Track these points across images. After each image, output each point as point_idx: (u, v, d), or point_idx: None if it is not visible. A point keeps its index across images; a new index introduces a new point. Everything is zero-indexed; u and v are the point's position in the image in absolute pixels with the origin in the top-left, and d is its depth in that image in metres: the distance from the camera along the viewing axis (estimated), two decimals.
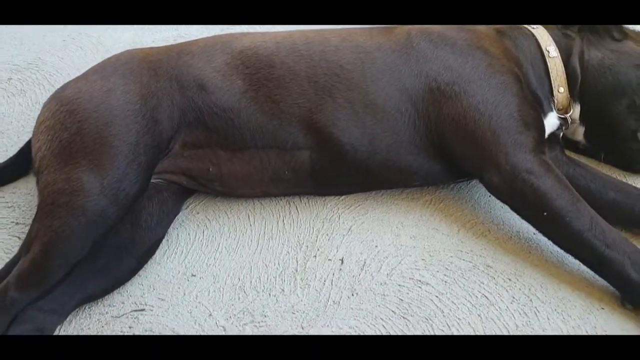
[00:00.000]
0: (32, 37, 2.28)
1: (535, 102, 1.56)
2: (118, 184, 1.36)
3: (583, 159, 1.68)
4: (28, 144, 1.67)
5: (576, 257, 1.39)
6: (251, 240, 1.56)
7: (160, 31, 2.29)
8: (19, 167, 1.71)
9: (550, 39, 1.64)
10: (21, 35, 2.29)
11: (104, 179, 1.35)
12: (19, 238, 1.58)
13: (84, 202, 1.32)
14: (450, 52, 1.55)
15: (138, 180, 1.40)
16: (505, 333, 1.34)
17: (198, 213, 1.63)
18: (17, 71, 2.12)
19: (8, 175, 1.71)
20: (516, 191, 1.41)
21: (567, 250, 1.40)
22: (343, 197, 1.65)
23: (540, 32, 1.65)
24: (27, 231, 1.56)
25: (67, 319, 1.39)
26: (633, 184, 1.59)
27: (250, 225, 1.60)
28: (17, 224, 1.62)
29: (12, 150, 1.80)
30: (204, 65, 1.55)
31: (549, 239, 1.42)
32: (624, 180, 1.63)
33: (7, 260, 1.51)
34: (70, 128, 1.40)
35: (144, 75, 1.52)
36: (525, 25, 1.70)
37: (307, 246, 1.54)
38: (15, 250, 1.54)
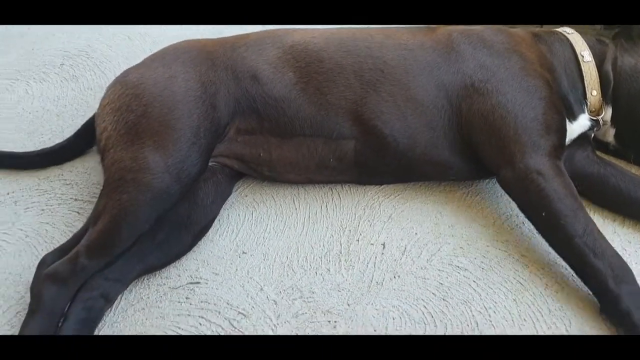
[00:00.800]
0: (81, 26, 2.38)
1: (563, 107, 1.64)
2: (181, 164, 1.45)
3: (613, 160, 1.76)
4: (84, 126, 1.78)
5: (565, 260, 1.46)
6: (297, 223, 1.65)
7: (205, 25, 2.38)
8: (76, 148, 1.81)
9: (585, 44, 1.72)
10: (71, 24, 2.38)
11: (168, 159, 1.44)
12: (78, 213, 1.68)
13: (150, 179, 1.41)
14: (488, 54, 1.64)
15: (199, 161, 1.49)
16: (539, 316, 1.42)
17: (246, 196, 1.72)
18: (68, 57, 2.22)
19: (66, 155, 1.81)
20: (523, 189, 1.49)
21: (558, 253, 1.48)
22: (383, 186, 1.74)
23: (575, 38, 1.74)
24: (85, 207, 1.68)
25: (128, 288, 1.48)
26: None
27: (296, 209, 1.69)
28: (75, 200, 1.71)
29: (68, 132, 1.90)
30: (257, 58, 1.64)
31: (544, 239, 1.50)
32: None
33: (68, 232, 1.62)
34: (136, 110, 1.50)
35: (202, 65, 1.61)
36: (560, 30, 1.78)
37: (349, 230, 1.63)
38: (76, 223, 1.64)
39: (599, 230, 1.44)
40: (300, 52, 1.64)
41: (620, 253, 1.54)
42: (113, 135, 1.50)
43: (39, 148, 1.84)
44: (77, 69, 2.17)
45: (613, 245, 1.52)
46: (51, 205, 1.70)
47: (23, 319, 1.41)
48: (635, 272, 1.49)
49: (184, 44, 1.70)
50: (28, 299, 1.43)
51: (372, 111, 1.59)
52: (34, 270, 1.48)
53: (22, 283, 1.51)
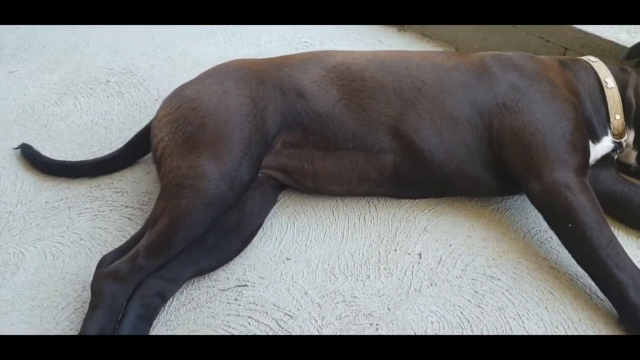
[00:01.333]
0: (124, 45, 2.51)
1: (587, 130, 1.74)
2: (235, 172, 1.55)
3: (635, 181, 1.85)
4: (134, 139, 1.88)
5: (588, 272, 1.54)
6: (336, 232, 1.74)
7: (242, 48, 2.52)
8: (126, 158, 1.92)
9: (609, 71, 1.83)
10: (115, 44, 2.51)
11: (222, 167, 1.54)
12: (129, 219, 1.77)
13: (206, 186, 1.51)
14: (519, 76, 1.75)
15: (250, 170, 1.59)
16: (570, 324, 1.50)
17: (288, 207, 1.82)
18: (113, 75, 2.34)
19: (116, 165, 1.91)
20: (551, 202, 1.57)
21: (581, 264, 1.55)
22: (417, 200, 1.83)
23: (599, 66, 1.85)
24: (135, 213, 1.77)
25: (179, 289, 1.57)
26: None
27: (335, 219, 1.78)
28: (126, 206, 1.81)
29: (116, 144, 2.00)
30: (302, 76, 1.75)
31: (568, 251, 1.57)
32: None
33: (120, 236, 1.71)
34: (193, 122, 1.60)
35: (252, 82, 1.72)
36: (585, 59, 1.90)
37: (387, 241, 1.72)
38: (127, 228, 1.73)
39: (620, 244, 1.52)
40: (343, 71, 1.75)
41: None
42: (170, 145, 1.60)
43: (89, 158, 1.93)
44: (122, 85, 2.28)
45: (636, 259, 1.61)
46: (103, 211, 1.79)
47: (80, 315, 1.50)
48: None
49: (234, 63, 1.82)
50: (85, 297, 1.53)
51: (410, 127, 1.69)
52: (89, 270, 1.57)
53: (78, 282, 1.60)
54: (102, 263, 1.52)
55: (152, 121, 1.76)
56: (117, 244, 1.66)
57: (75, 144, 2.03)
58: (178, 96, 1.70)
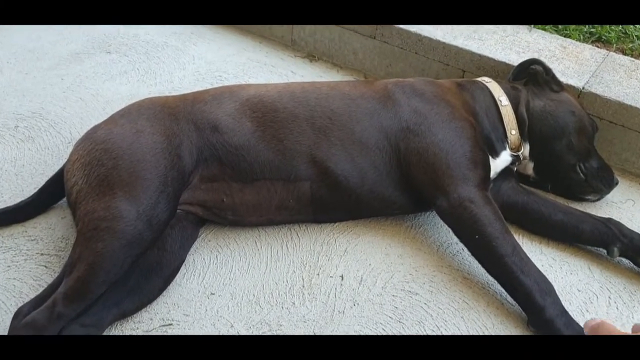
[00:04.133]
0: (32, 89, 2.45)
1: (486, 146, 1.87)
2: (152, 211, 1.55)
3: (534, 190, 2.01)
4: (47, 184, 1.84)
5: (497, 279, 1.66)
6: (260, 262, 1.77)
7: (156, 84, 2.52)
8: (40, 204, 1.86)
9: (502, 90, 1.99)
10: (22, 88, 2.45)
11: (139, 207, 1.54)
12: (45, 267, 1.72)
13: (124, 227, 1.50)
14: (419, 101, 1.87)
15: (168, 208, 1.60)
16: (485, 330, 1.59)
17: (210, 241, 1.83)
18: (22, 119, 2.28)
19: (29, 212, 1.85)
20: (458, 215, 1.69)
21: (490, 272, 1.67)
22: (337, 223, 1.89)
23: (493, 86, 2.00)
24: (51, 260, 1.73)
25: (103, 334, 1.54)
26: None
27: (258, 249, 1.81)
28: (42, 254, 1.76)
29: (28, 190, 1.95)
30: (216, 111, 1.79)
31: (478, 261, 1.69)
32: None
33: (37, 285, 1.66)
34: (106, 164, 1.60)
35: (165, 119, 1.74)
36: (480, 80, 2.05)
37: (310, 266, 1.76)
38: (44, 277, 1.69)
39: (524, 251, 1.65)
40: (257, 103, 1.81)
41: (546, 269, 1.77)
42: (84, 189, 1.59)
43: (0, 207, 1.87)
44: (32, 130, 2.23)
45: (540, 263, 1.75)
46: (17, 261, 1.73)
47: None
48: (559, 286, 1.72)
49: (147, 101, 1.83)
50: None
51: (324, 154, 1.76)
52: (5, 325, 1.51)
53: None
54: (19, 314, 1.47)
55: (64, 165, 1.73)
56: (32, 294, 1.61)
57: None
58: (90, 138, 1.69)
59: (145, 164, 1.61)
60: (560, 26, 2.60)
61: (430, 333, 1.59)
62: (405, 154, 1.77)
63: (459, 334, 1.59)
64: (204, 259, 1.77)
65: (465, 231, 1.68)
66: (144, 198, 1.56)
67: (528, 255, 1.66)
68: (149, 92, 2.46)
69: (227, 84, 2.49)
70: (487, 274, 1.73)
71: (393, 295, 1.68)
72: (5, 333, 1.46)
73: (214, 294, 1.68)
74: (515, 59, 2.26)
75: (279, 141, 1.76)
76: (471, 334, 1.59)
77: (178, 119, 1.75)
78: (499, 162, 1.92)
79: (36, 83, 2.49)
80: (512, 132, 1.94)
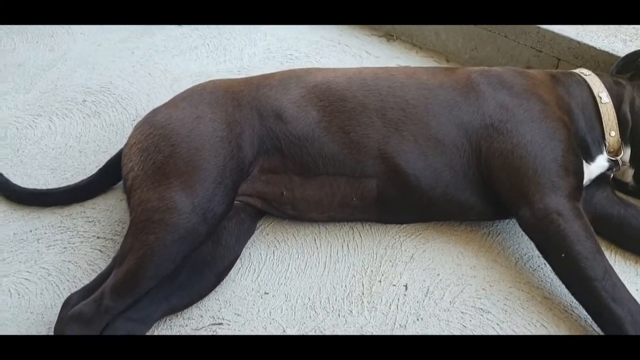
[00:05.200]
0: (102, 62, 2.42)
1: (580, 150, 1.65)
2: (208, 204, 1.46)
3: (632, 200, 1.77)
4: (108, 164, 1.79)
5: (582, 304, 1.46)
6: (318, 263, 1.66)
7: (225, 62, 2.43)
8: (99, 185, 1.83)
9: (603, 86, 1.74)
10: (93, 60, 2.43)
11: (194, 199, 1.46)
12: (100, 251, 1.68)
13: (177, 220, 1.42)
14: (507, 94, 1.66)
15: (225, 201, 1.50)
16: None
17: (268, 234, 1.73)
18: (90, 94, 2.25)
19: (89, 192, 1.82)
20: (542, 229, 1.49)
21: (575, 296, 1.48)
22: (404, 225, 1.74)
23: (592, 79, 1.76)
24: (107, 245, 1.69)
25: (150, 330, 1.48)
26: None
27: (317, 248, 1.70)
28: (98, 237, 1.72)
29: (90, 169, 1.92)
30: (281, 97, 1.67)
31: (562, 281, 1.50)
32: None
33: (91, 270, 1.63)
34: (163, 151, 1.52)
35: (228, 105, 1.63)
36: (578, 72, 1.81)
37: (371, 271, 1.63)
38: (98, 262, 1.65)
39: (617, 275, 1.44)
40: (324, 91, 1.67)
41: None
42: (140, 175, 1.52)
43: (61, 185, 1.85)
44: (99, 105, 2.20)
45: (634, 287, 1.53)
46: (73, 243, 1.71)
47: None
48: None
49: (211, 84, 1.73)
50: None
51: (394, 150, 1.60)
52: (56, 310, 1.49)
53: (44, 323, 1.51)
54: (67, 304, 1.43)
55: (123, 148, 1.67)
56: (86, 279, 1.58)
57: (47, 169, 1.94)
58: (149, 122, 1.62)
59: (204, 153, 1.52)
60: None
61: None
62: (487, 155, 1.58)
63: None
64: (260, 254, 1.68)
65: (550, 248, 1.49)
66: (200, 190, 1.47)
67: (621, 278, 1.45)
68: (217, 70, 2.38)
69: (297, 64, 2.37)
70: (570, 295, 1.53)
71: (462, 312, 1.52)
72: (56, 318, 1.43)
73: (267, 293, 1.58)
74: (620, 49, 1.99)
75: (345, 133, 1.61)
76: None
77: (241, 105, 1.64)
78: (594, 168, 1.69)
79: (106, 55, 2.46)
80: (612, 134, 1.70)
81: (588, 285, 1.42)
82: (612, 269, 1.45)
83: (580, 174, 1.61)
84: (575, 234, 1.46)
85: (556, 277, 1.56)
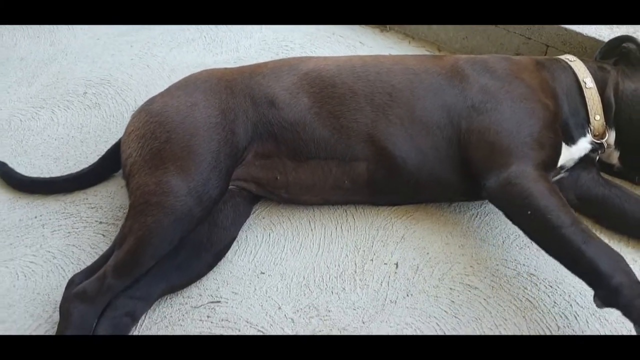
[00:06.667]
0: (102, 55, 2.48)
1: (561, 131, 1.67)
2: (203, 187, 1.53)
3: (618, 181, 1.82)
4: (108, 152, 1.86)
5: (556, 256, 1.44)
6: (312, 244, 1.72)
7: (221, 53, 2.49)
8: (100, 173, 1.89)
9: (587, 71, 1.78)
10: (93, 54, 2.49)
11: (190, 183, 1.52)
12: (103, 235, 1.75)
13: (174, 202, 1.49)
14: (490, 78, 1.70)
15: (219, 184, 1.56)
16: (548, 333, 1.47)
17: (264, 218, 1.79)
18: (91, 86, 2.31)
19: (91, 180, 1.89)
20: (507, 192, 1.50)
21: (547, 249, 1.46)
22: (395, 207, 1.80)
23: (577, 65, 1.80)
24: (109, 229, 1.75)
25: (152, 307, 1.55)
26: None
27: (311, 230, 1.76)
28: (100, 222, 1.79)
29: (92, 158, 1.98)
30: (273, 84, 1.72)
31: (534, 241, 1.49)
32: None
33: (94, 253, 1.69)
34: (159, 137, 1.58)
35: (222, 93, 1.69)
36: (563, 58, 1.85)
37: (364, 251, 1.69)
38: (101, 245, 1.72)
39: (584, 224, 1.43)
40: (315, 78, 1.72)
41: None
42: (138, 161, 1.58)
43: (64, 173, 1.91)
44: (100, 97, 2.26)
45: None
46: (77, 228, 1.77)
47: None
48: None
49: (205, 73, 1.79)
50: (56, 318, 1.50)
51: (382, 133, 1.66)
52: (61, 290, 1.55)
53: (50, 303, 1.58)
54: (71, 283, 1.50)
55: (122, 137, 1.73)
56: (90, 261, 1.64)
57: (50, 158, 2.01)
58: (146, 110, 1.68)
59: (198, 139, 1.57)
60: None
61: (487, 331, 1.48)
62: (466, 134, 1.62)
63: (519, 334, 1.47)
64: (256, 236, 1.74)
65: (515, 208, 1.49)
66: (195, 174, 1.53)
67: None
68: (214, 62, 2.43)
69: (292, 55, 2.43)
70: (556, 271, 1.59)
71: (450, 288, 1.58)
72: (61, 297, 1.49)
73: (264, 273, 1.64)
74: (606, 35, 2.04)
75: (335, 118, 1.67)
76: (532, 334, 1.47)
77: (234, 92, 1.70)
78: (575, 150, 1.73)
79: (106, 49, 2.52)
80: (596, 118, 1.75)
81: (558, 234, 1.40)
82: (579, 219, 1.44)
83: (556, 150, 1.63)
84: (540, 192, 1.46)
85: (542, 253, 1.60)
